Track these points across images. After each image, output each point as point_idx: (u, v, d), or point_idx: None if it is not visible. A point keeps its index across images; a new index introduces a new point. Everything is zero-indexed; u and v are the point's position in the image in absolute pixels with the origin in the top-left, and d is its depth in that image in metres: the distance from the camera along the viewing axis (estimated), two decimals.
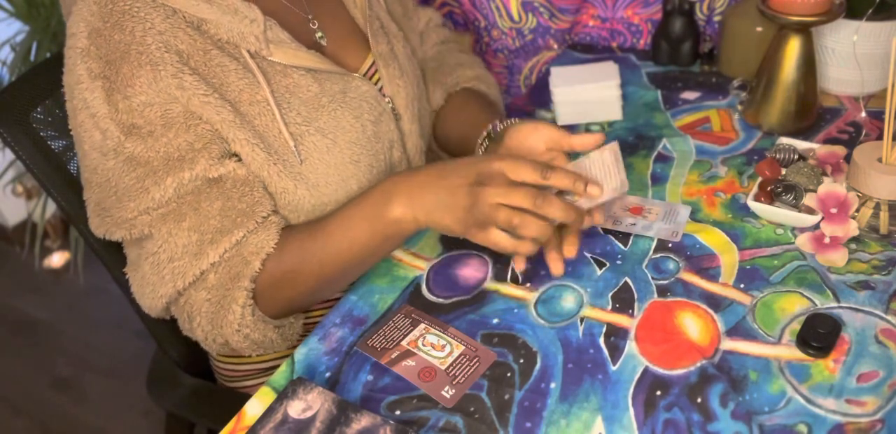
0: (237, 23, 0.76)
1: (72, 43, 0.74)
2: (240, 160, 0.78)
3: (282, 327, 0.82)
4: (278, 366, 0.82)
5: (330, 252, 0.77)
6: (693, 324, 0.77)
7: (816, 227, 0.86)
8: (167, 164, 0.74)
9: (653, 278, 0.83)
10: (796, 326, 0.76)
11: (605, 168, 0.76)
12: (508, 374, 0.74)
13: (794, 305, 0.78)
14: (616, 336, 0.77)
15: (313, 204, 0.83)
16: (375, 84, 0.91)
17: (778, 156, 0.94)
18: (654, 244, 0.88)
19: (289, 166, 0.80)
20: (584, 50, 1.34)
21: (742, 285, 0.81)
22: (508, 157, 0.73)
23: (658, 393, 0.71)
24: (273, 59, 0.79)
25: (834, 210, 0.83)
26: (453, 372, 0.74)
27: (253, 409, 0.73)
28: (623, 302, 0.81)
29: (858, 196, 0.83)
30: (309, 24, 0.88)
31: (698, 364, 0.73)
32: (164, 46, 0.73)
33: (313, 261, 0.77)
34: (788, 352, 0.73)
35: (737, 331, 0.76)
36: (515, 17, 1.34)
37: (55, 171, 0.90)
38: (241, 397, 0.83)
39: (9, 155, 1.87)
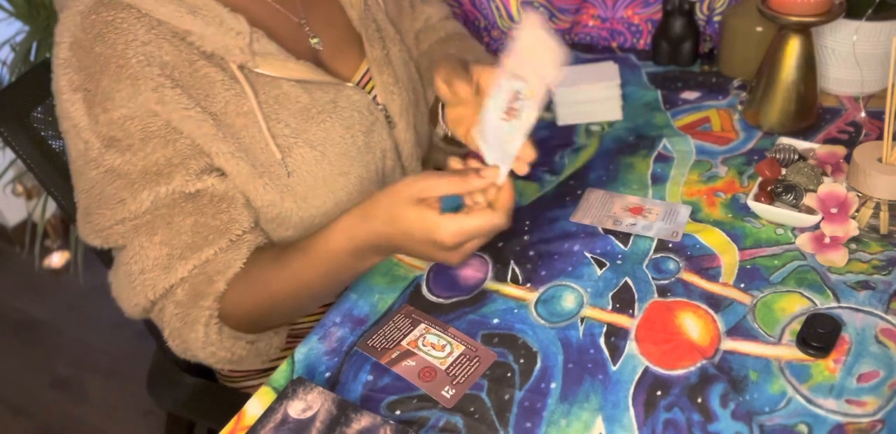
0: (222, 35, 0.74)
1: (56, 52, 0.73)
2: (221, 175, 0.77)
3: (257, 342, 0.80)
4: (279, 366, 0.81)
5: (300, 279, 0.75)
6: (693, 324, 0.77)
7: (816, 227, 0.86)
8: (144, 177, 0.73)
9: (653, 278, 0.83)
10: (796, 326, 0.76)
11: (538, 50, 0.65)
12: (508, 374, 0.74)
13: (794, 305, 0.78)
14: (616, 336, 0.77)
15: (301, 216, 0.82)
16: (369, 92, 0.89)
17: (778, 156, 0.94)
18: (654, 244, 0.88)
19: (275, 179, 0.79)
20: (584, 50, 1.34)
21: (742, 285, 0.81)
22: (444, 226, 0.66)
23: (658, 393, 0.71)
24: (260, 71, 0.77)
25: (834, 210, 0.83)
26: (453, 372, 0.74)
27: (253, 408, 0.73)
28: (623, 302, 0.81)
29: (858, 196, 0.83)
30: (303, 29, 0.85)
31: (698, 364, 0.73)
32: (146, 59, 0.72)
33: (283, 285, 0.75)
34: (789, 352, 0.73)
35: (737, 331, 0.76)
36: (515, 16, 1.33)
37: (55, 171, 0.90)
38: (241, 397, 0.83)
39: (9, 155, 1.86)
